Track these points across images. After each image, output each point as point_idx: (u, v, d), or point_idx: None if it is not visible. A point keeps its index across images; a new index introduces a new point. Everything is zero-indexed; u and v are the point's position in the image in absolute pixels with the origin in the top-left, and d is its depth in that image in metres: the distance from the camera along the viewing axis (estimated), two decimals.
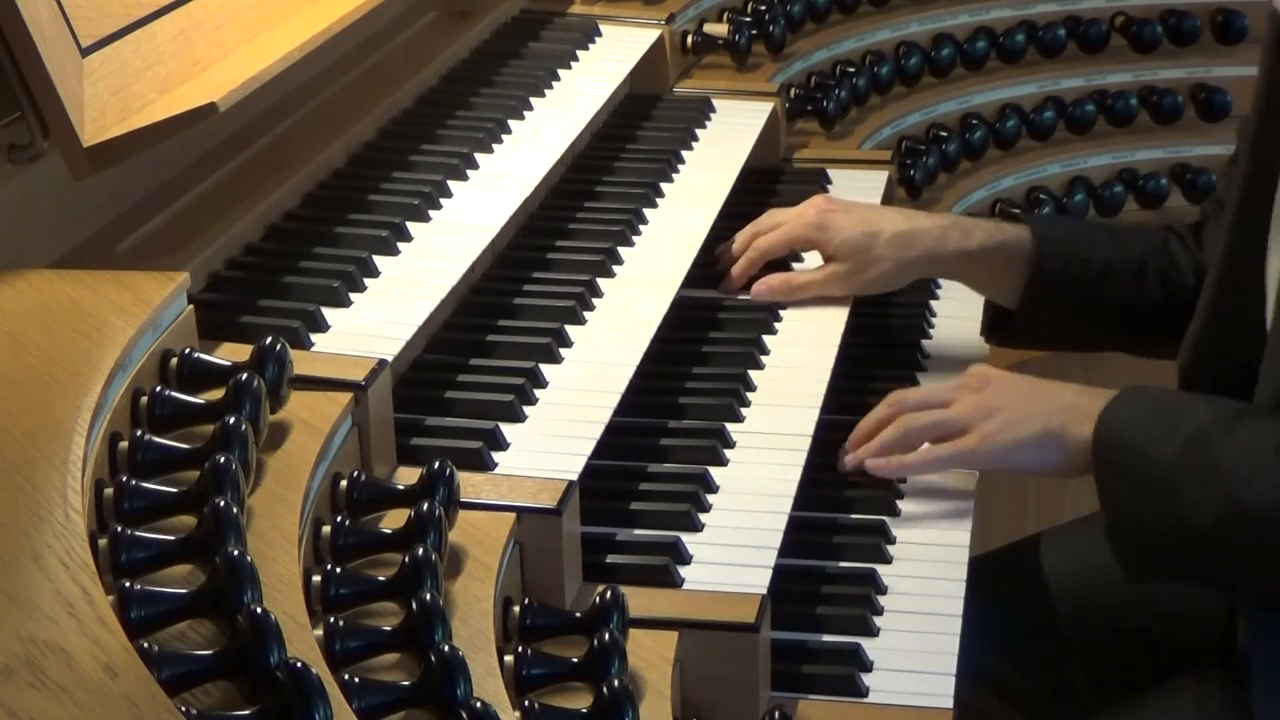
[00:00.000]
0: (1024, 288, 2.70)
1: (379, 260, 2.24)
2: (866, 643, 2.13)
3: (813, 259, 2.80)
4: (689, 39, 3.37)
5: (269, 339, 1.85)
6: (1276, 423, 2.19)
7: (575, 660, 1.76)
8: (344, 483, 1.86)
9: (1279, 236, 2.30)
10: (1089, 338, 2.83)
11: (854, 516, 2.40)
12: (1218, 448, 2.17)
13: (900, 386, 2.71)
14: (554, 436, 2.10)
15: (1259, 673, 2.22)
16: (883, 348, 2.86)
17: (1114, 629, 2.55)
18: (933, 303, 3.00)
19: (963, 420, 2.37)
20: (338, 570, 1.70)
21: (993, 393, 2.38)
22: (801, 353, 2.58)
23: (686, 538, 2.10)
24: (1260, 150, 2.38)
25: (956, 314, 2.97)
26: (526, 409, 2.15)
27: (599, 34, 3.19)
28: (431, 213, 2.40)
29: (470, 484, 1.93)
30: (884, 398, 2.49)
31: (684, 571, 2.05)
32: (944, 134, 3.67)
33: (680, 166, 2.93)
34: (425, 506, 1.77)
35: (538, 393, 2.19)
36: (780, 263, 2.79)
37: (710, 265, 2.76)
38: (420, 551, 1.69)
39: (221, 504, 1.55)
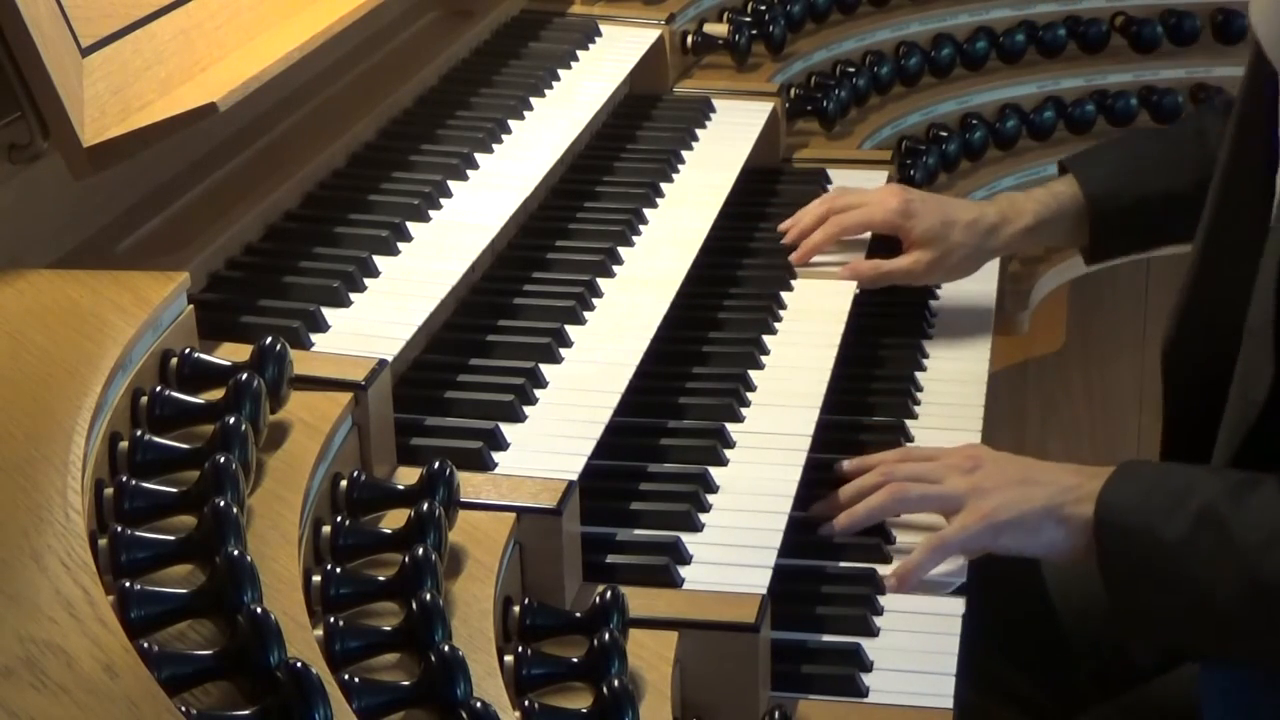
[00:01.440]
0: (1089, 241, 2.86)
1: (379, 260, 2.24)
2: (866, 643, 2.13)
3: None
4: (689, 39, 3.37)
5: (269, 339, 1.85)
6: None
7: (575, 660, 1.76)
8: (344, 483, 1.86)
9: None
10: (1172, 241, 2.95)
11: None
12: (1229, 523, 2.11)
13: (900, 387, 2.72)
14: (554, 436, 2.10)
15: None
16: (883, 347, 2.86)
17: (1114, 629, 2.54)
18: (932, 303, 3.01)
19: (958, 499, 2.29)
20: (338, 570, 1.70)
21: (986, 474, 2.31)
22: (801, 353, 2.58)
23: (686, 538, 2.10)
24: (1244, 139, 2.38)
25: (957, 314, 2.97)
26: (526, 409, 2.15)
27: (599, 34, 3.19)
28: (431, 213, 2.40)
29: (470, 484, 1.93)
30: (890, 395, 2.48)
31: (684, 571, 2.05)
32: (944, 134, 3.67)
33: (680, 166, 2.93)
34: (425, 506, 1.77)
35: (538, 393, 2.19)
36: None
37: (709, 265, 2.75)
38: (420, 551, 1.69)
39: (221, 504, 1.55)
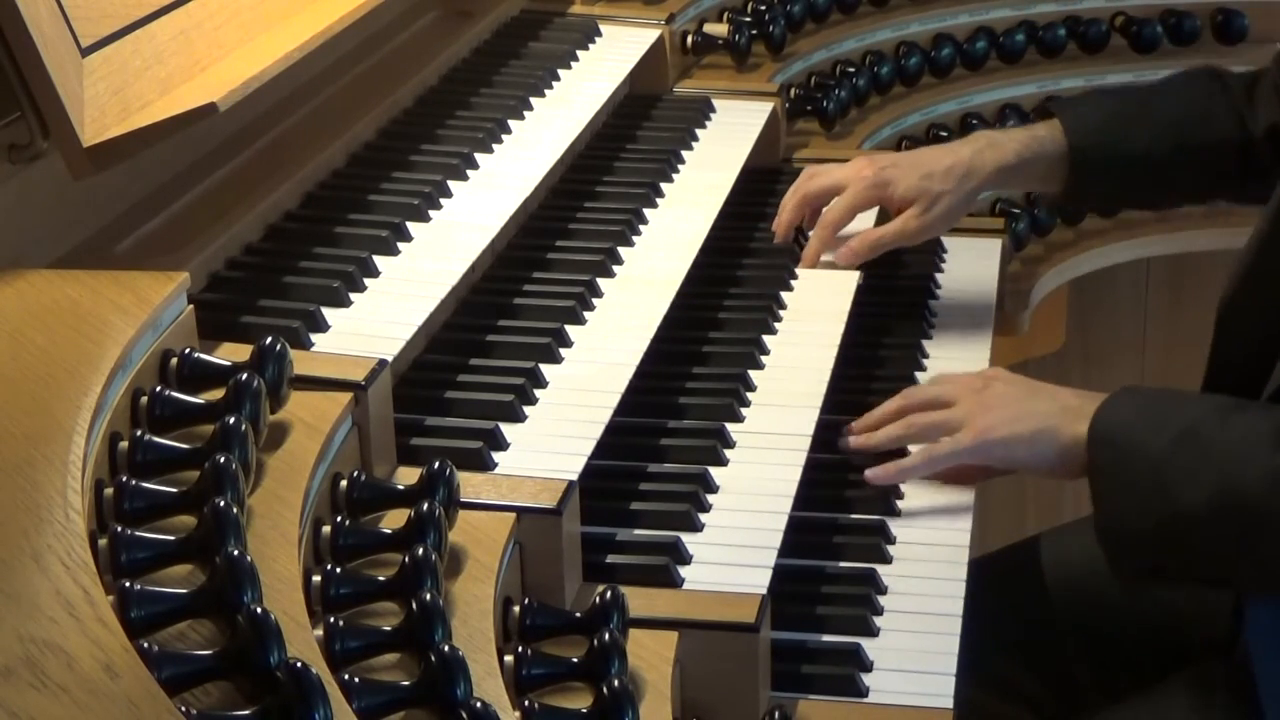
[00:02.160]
0: (1063, 189, 2.88)
1: (379, 260, 2.24)
2: (866, 643, 2.13)
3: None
4: (689, 39, 3.37)
5: (269, 339, 1.85)
6: (1273, 413, 2.18)
7: (575, 660, 1.76)
8: (344, 483, 1.86)
9: None
10: (1142, 205, 3.17)
11: (854, 516, 2.40)
12: (1210, 438, 2.18)
13: (901, 388, 2.72)
14: (554, 436, 2.10)
15: (1263, 666, 2.23)
16: (883, 347, 2.86)
17: (1116, 626, 2.55)
18: (932, 303, 3.00)
19: (960, 417, 2.39)
20: (338, 570, 1.70)
21: (993, 392, 2.40)
22: (801, 353, 2.58)
23: (686, 538, 2.10)
24: None
25: (956, 314, 2.97)
26: (526, 409, 2.15)
27: (599, 34, 3.19)
28: (431, 213, 2.40)
29: (470, 484, 1.93)
30: (890, 395, 2.52)
31: (684, 571, 2.05)
32: (944, 134, 3.66)
33: (680, 166, 2.93)
34: (425, 506, 1.77)
35: (538, 393, 2.19)
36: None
37: (709, 265, 2.75)
38: (420, 551, 1.69)
39: (221, 504, 1.55)
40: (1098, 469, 2.27)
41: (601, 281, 2.49)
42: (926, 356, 2.84)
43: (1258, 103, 2.77)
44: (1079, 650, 2.57)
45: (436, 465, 1.85)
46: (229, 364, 1.85)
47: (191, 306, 1.92)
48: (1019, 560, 2.66)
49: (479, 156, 2.59)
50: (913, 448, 2.45)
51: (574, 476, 1.99)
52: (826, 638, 2.15)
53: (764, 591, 2.00)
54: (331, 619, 1.62)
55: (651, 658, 1.86)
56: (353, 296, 2.15)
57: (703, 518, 2.16)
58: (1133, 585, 2.34)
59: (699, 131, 3.08)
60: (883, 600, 2.23)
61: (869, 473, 2.41)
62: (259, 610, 1.42)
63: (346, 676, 1.53)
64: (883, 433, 2.46)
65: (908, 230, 2.84)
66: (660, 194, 2.81)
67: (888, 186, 2.83)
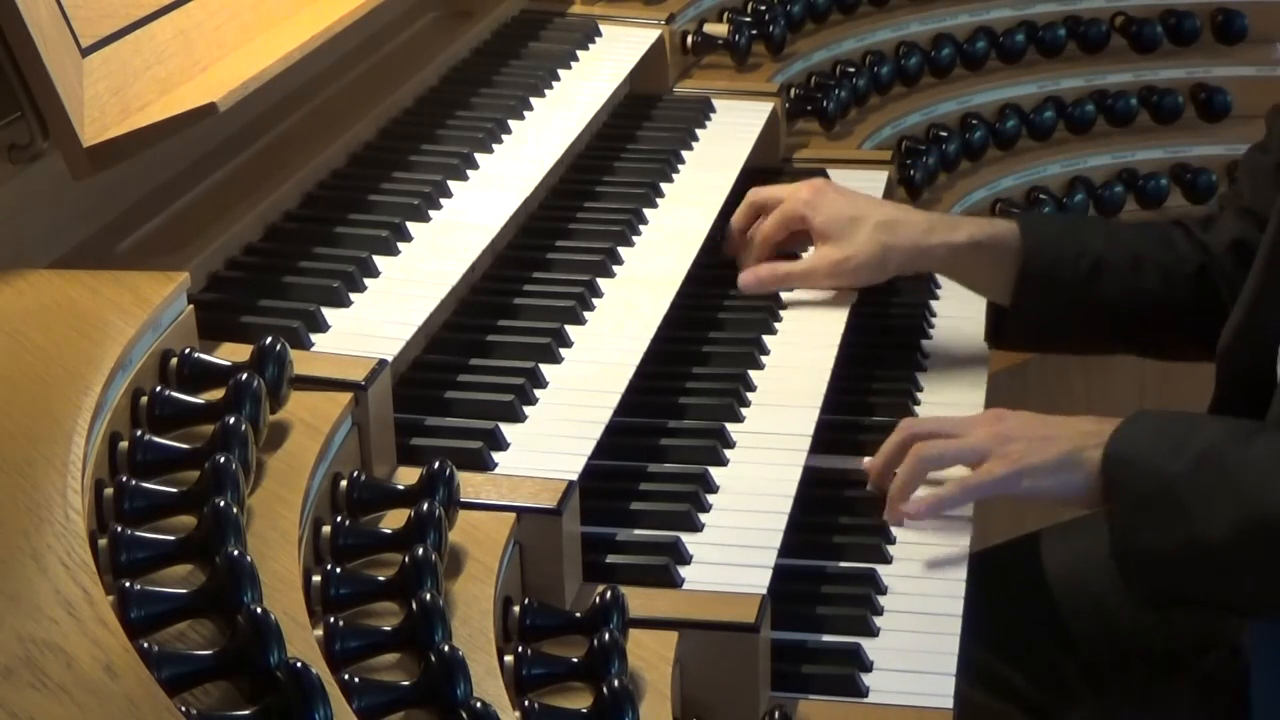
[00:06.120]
0: (1014, 285, 2.68)
1: (379, 260, 2.24)
2: (866, 643, 2.13)
3: None
4: (689, 39, 3.37)
5: (269, 339, 1.85)
6: None
7: (575, 660, 1.76)
8: (344, 483, 1.86)
9: None
10: (1090, 336, 2.77)
11: (854, 517, 2.40)
12: (1232, 461, 2.18)
13: (900, 386, 2.72)
14: (554, 436, 2.10)
15: (1260, 686, 2.24)
16: (883, 348, 2.86)
17: (1112, 626, 2.55)
18: (933, 303, 3.00)
19: (981, 448, 2.37)
20: (338, 570, 1.70)
21: (1009, 424, 2.38)
22: (801, 353, 2.59)
23: (686, 538, 2.10)
24: None
25: (956, 314, 2.97)
26: (526, 409, 2.15)
27: (599, 34, 3.19)
28: (431, 213, 2.40)
29: (470, 484, 1.93)
30: (890, 395, 2.50)
31: (684, 571, 2.05)
32: (944, 134, 3.67)
33: (680, 166, 2.93)
34: (425, 506, 1.77)
35: (538, 393, 2.19)
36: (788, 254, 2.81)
37: (709, 265, 2.75)
38: (420, 551, 1.69)
39: (221, 504, 1.55)
40: (1114, 491, 2.27)
41: (601, 281, 2.49)
42: (926, 356, 2.84)
43: (1218, 227, 2.70)
44: (1072, 648, 2.57)
45: (436, 465, 1.85)
46: (229, 364, 1.85)
47: (191, 306, 1.92)
48: (1019, 556, 2.66)
49: (479, 156, 2.59)
50: (949, 473, 2.40)
51: (574, 476, 1.99)
52: (826, 638, 2.15)
53: (764, 591, 2.00)
54: (331, 619, 1.62)
55: (651, 658, 1.86)
56: (353, 296, 2.15)
57: (703, 518, 2.16)
58: (1154, 605, 2.34)
59: (699, 131, 3.08)
60: (883, 600, 2.23)
61: (908, 512, 2.35)
62: (259, 610, 1.42)
63: (346, 676, 1.53)
64: (899, 483, 2.37)
65: (816, 271, 2.70)
66: (660, 194, 2.81)
67: (815, 207, 2.71)
